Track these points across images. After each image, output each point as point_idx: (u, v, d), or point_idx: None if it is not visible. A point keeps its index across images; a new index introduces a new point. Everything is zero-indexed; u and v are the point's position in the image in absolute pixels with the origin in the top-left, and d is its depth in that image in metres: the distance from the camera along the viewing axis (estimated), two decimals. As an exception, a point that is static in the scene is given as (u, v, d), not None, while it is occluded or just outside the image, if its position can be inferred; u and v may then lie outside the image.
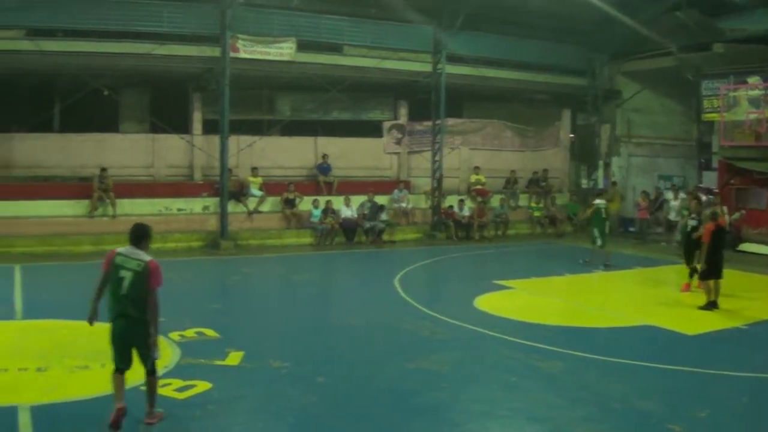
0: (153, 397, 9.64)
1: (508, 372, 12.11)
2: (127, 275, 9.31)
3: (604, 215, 24.45)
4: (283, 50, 28.16)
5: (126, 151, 29.51)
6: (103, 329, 13.15)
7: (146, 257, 9.46)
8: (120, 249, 9.59)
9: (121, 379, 9.45)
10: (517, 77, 33.04)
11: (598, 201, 25.15)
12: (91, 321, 9.71)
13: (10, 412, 9.71)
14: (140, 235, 9.68)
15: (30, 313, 16.02)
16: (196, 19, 27.19)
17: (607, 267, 23.99)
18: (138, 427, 9.48)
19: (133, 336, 9.39)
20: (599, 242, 24.36)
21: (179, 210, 28.16)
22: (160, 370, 10.41)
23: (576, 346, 13.72)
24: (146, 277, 9.30)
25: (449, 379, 11.73)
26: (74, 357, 12.36)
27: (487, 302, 17.89)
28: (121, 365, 9.49)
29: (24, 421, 9.51)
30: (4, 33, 25.40)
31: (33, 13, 25.27)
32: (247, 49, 27.67)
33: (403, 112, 34.39)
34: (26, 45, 25.41)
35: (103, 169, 27.14)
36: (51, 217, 25.99)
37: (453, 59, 31.26)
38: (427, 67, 31.34)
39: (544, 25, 32.30)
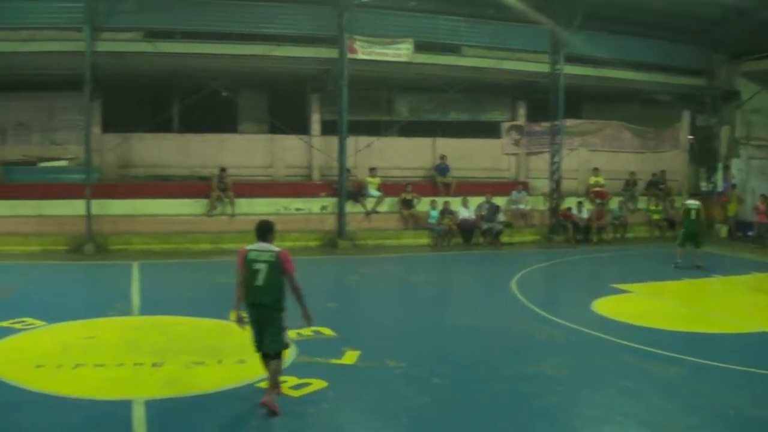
0: (275, 379, 10.19)
1: (624, 377, 11.85)
2: (262, 267, 10.04)
3: (693, 216, 23.80)
4: (401, 51, 28.14)
5: (245, 151, 29.95)
6: (219, 327, 13.31)
7: (276, 248, 10.24)
8: (249, 246, 10.28)
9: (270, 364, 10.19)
10: (635, 77, 32.25)
11: (689, 202, 24.56)
12: (241, 323, 10.28)
13: (125, 406, 9.86)
14: (266, 230, 10.45)
15: (147, 309, 16.29)
16: (313, 20, 27.36)
17: (699, 268, 23.34)
18: (260, 422, 9.58)
19: (265, 323, 10.12)
20: (692, 244, 23.78)
21: (297, 210, 28.38)
22: None
23: (693, 352, 13.36)
24: (280, 266, 10.07)
25: (565, 382, 11.54)
26: (190, 353, 12.52)
27: (604, 306, 17.57)
28: (259, 350, 10.25)
29: (138, 414, 9.63)
30: (123, 35, 25.99)
31: (151, 15, 25.79)
32: (365, 51, 27.73)
33: (522, 112, 34.11)
34: (145, 47, 25.97)
35: (223, 169, 27.55)
36: (170, 215, 26.54)
37: (571, 59, 30.81)
38: (546, 68, 30.96)
39: (662, 25, 31.60)
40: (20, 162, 28.84)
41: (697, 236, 23.74)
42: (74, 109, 27.97)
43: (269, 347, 10.17)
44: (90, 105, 25.86)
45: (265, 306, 10.09)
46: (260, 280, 10.03)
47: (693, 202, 24.31)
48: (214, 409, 9.90)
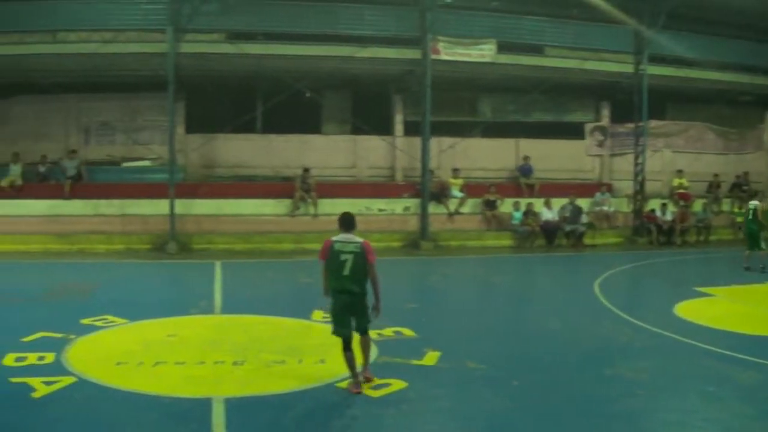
0: (367, 355, 10.96)
1: (706, 381, 11.52)
2: (348, 258, 10.57)
3: (751, 216, 23.20)
4: (484, 52, 27.93)
5: (328, 151, 30.06)
6: (300, 326, 13.25)
7: (359, 239, 10.77)
8: (334, 238, 10.81)
9: (352, 357, 10.67)
10: (720, 78, 31.67)
11: (751, 203, 23.97)
12: (326, 310, 11.17)
13: (205, 404, 9.83)
14: (351, 222, 10.95)
15: (229, 308, 16.30)
16: (396, 21, 27.31)
17: (763, 270, 22.69)
18: (339, 422, 9.51)
19: (354, 308, 10.66)
20: (761, 245, 23.22)
21: (380, 210, 28.34)
22: (356, 367, 10.74)
23: (778, 357, 13.00)
24: (364, 256, 10.59)
25: (646, 386, 11.24)
26: (271, 352, 12.44)
27: (687, 309, 17.15)
28: (349, 340, 10.65)
29: (218, 412, 9.58)
30: (206, 36, 26.20)
31: (234, 17, 26.01)
32: (448, 51, 27.59)
33: (605, 113, 33.73)
34: (228, 48, 26.14)
35: (306, 170, 27.64)
36: (252, 215, 26.74)
37: (655, 59, 30.34)
38: (629, 68, 30.51)
39: (747, 24, 30.96)
40: (104, 162, 29.35)
41: (756, 237, 23.19)
42: (158, 110, 28.39)
43: (361, 326, 10.78)
44: (174, 106, 26.15)
45: (353, 293, 10.61)
46: (347, 270, 10.56)
47: (753, 203, 23.77)
48: (293, 408, 9.82)
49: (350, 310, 10.69)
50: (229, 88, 29.56)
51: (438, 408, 10.12)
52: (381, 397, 10.27)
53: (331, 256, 10.67)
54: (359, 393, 10.36)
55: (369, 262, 10.65)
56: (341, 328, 10.65)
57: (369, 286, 10.72)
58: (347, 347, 10.60)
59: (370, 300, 10.59)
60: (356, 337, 10.76)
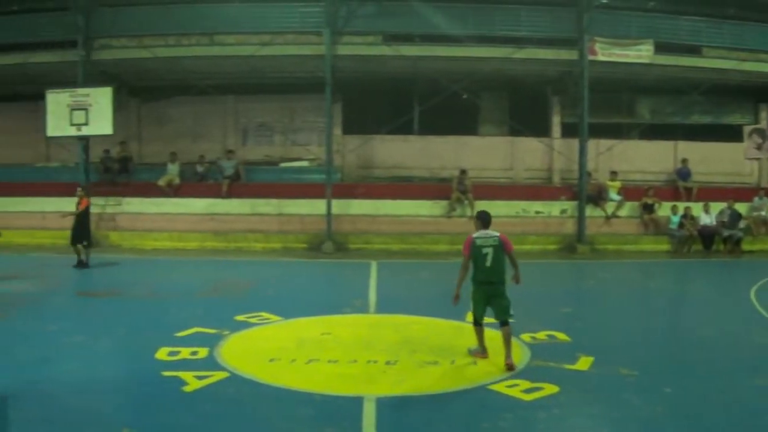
0: (509, 344, 11.52)
1: None
2: (489, 251, 11.65)
3: None
4: (641, 52, 27.23)
5: (485, 153, 29.85)
6: (453, 327, 13.08)
7: (496, 233, 11.85)
8: (475, 234, 11.83)
9: (482, 330, 11.94)
10: None
11: None
12: (455, 301, 11.83)
13: (357, 402, 9.75)
14: (488, 219, 12.04)
15: (383, 308, 16.28)
16: (553, 22, 26.96)
17: None
18: (490, 424, 9.25)
19: (494, 297, 11.73)
20: None
21: (537, 213, 27.98)
22: (509, 371, 11.00)
23: None
24: (503, 247, 11.75)
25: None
26: (424, 352, 12.31)
27: None
28: (482, 320, 11.88)
29: (369, 411, 9.50)
30: (362, 39, 26.26)
31: (390, 19, 26.04)
32: (605, 52, 27.04)
33: (765, 115, 32.40)
34: (384, 50, 26.15)
35: (463, 171, 27.49)
36: (409, 216, 26.71)
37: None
38: (788, 70, 29.27)
39: None
40: (262, 162, 29.82)
41: None
42: (315, 111, 28.74)
43: (504, 316, 11.68)
44: (331, 107, 26.31)
45: (493, 283, 11.70)
46: (489, 262, 11.66)
47: None
48: (444, 409, 9.68)
49: (490, 300, 11.76)
50: (386, 89, 29.62)
51: (589, 414, 9.83)
52: (532, 401, 10.02)
53: (474, 251, 11.70)
54: (478, 358, 11.78)
55: (508, 251, 11.84)
56: (478, 311, 11.83)
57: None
58: (478, 323, 11.87)
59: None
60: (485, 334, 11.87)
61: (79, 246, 21.73)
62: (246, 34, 26.18)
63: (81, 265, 21.67)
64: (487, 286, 11.74)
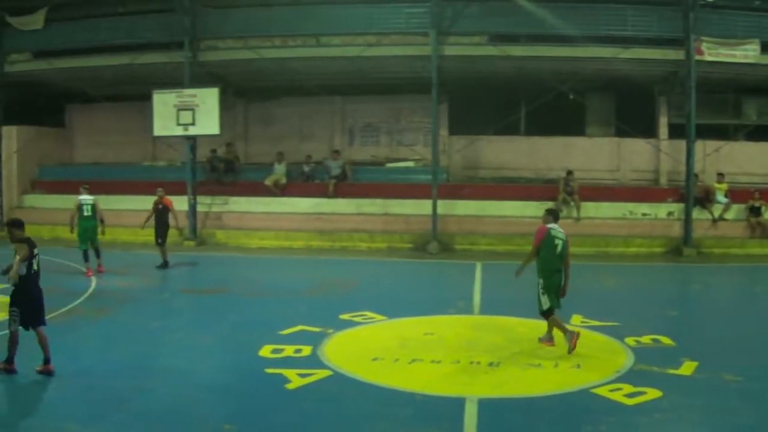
0: (563, 327, 12.75)
1: None
2: (560, 243, 12.88)
3: None
4: (748, 52, 26.58)
5: (591, 154, 29.51)
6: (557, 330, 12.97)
7: (562, 230, 13.16)
8: (549, 225, 13.07)
9: (556, 319, 12.89)
10: None
11: None
12: (517, 274, 13.24)
13: (458, 403, 9.79)
14: (558, 215, 13.78)
15: (487, 309, 16.26)
16: (659, 22, 26.42)
17: None
18: (592, 428, 9.19)
19: (559, 284, 12.90)
20: None
21: (643, 215, 27.53)
22: (612, 374, 11.08)
23: None
24: (567, 243, 13.02)
25: None
26: (527, 354, 12.34)
27: None
28: (557, 307, 12.88)
29: (470, 412, 9.53)
30: (468, 39, 26.16)
31: (495, 19, 25.84)
32: (712, 52, 26.43)
33: None
34: (490, 50, 26.00)
35: (569, 172, 27.25)
36: (515, 217, 26.48)
37: None
38: None
39: None
40: (368, 162, 29.96)
41: None
42: (421, 112, 28.81)
43: (559, 303, 12.91)
44: (437, 108, 26.28)
45: (560, 271, 12.92)
46: (559, 251, 12.85)
47: None
48: (545, 412, 9.67)
49: (559, 287, 12.88)
50: (492, 89, 29.44)
51: (691, 419, 9.72)
52: (635, 406, 9.93)
53: (548, 240, 12.87)
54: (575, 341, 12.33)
55: (569, 249, 13.03)
56: (554, 300, 12.79)
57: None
58: (551, 312, 12.78)
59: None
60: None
61: (163, 246, 22.02)
62: (352, 35, 26.32)
63: (165, 266, 21.96)
64: (557, 274, 12.85)
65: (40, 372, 11.10)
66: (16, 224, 11.76)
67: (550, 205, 25.97)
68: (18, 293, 11.23)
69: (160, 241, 22.00)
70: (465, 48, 26.30)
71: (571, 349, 12.18)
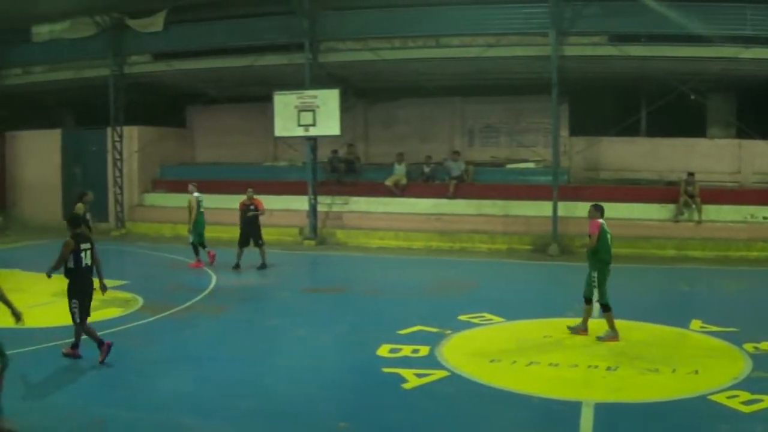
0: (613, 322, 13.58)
1: None
2: (610, 237, 13.94)
3: None
4: None
5: (712, 156, 28.86)
6: (676, 335, 12.86)
7: None
8: (600, 220, 13.96)
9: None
10: None
11: None
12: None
13: (575, 407, 9.76)
14: (603, 211, 14.47)
15: (607, 313, 15.94)
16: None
17: None
18: None
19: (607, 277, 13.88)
20: None
21: (765, 218, 26.79)
22: (730, 381, 10.80)
23: None
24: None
25: None
26: (645, 359, 12.15)
27: None
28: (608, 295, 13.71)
29: (586, 417, 9.50)
30: (587, 39, 25.81)
31: (615, 19, 25.39)
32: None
33: None
34: (610, 50, 25.62)
35: (690, 174, 26.72)
36: (635, 219, 25.98)
37: None
38: None
39: None
40: (488, 163, 29.87)
41: None
42: (541, 112, 28.57)
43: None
44: (557, 108, 26.06)
45: (610, 263, 13.85)
46: (610, 245, 13.88)
47: None
48: (662, 418, 9.58)
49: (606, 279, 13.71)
50: (612, 90, 29.12)
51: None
52: (752, 413, 9.76)
53: (603, 234, 13.80)
54: (612, 341, 13.14)
55: None
56: (607, 293, 13.62)
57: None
58: (609, 306, 13.51)
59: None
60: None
61: (254, 247, 22.12)
62: (471, 36, 26.24)
63: (263, 266, 22.12)
64: (608, 267, 13.82)
65: (66, 354, 12.12)
66: (70, 221, 12.69)
67: (670, 208, 25.74)
68: (70, 286, 11.98)
69: (261, 241, 22.12)
70: (584, 48, 25.96)
71: (603, 340, 13.27)
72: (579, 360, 12.04)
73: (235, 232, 22.80)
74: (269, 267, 21.87)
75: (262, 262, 21.90)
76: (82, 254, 11.90)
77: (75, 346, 12.05)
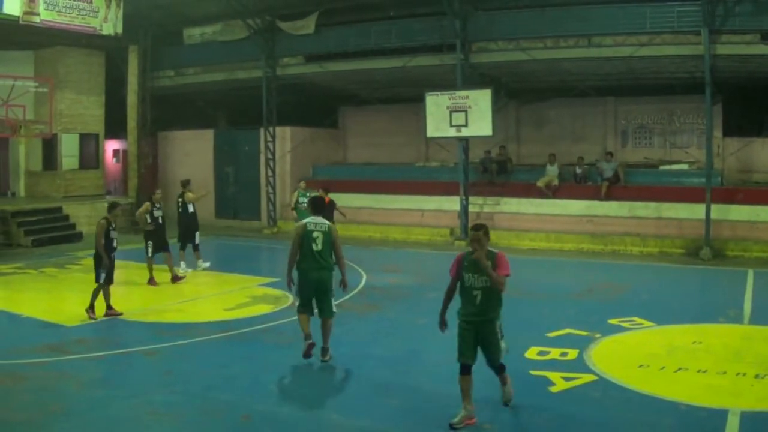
0: None
1: None
2: None
3: None
4: None
5: None
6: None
7: None
8: None
9: None
10: None
11: None
12: None
13: (721, 415, 9.72)
14: None
15: (757, 318, 15.70)
16: None
17: None
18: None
19: None
20: None
21: None
22: None
23: None
24: None
25: None
26: (795, 367, 11.94)
27: None
28: None
29: (732, 424, 9.45)
30: (740, 38, 25.03)
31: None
32: None
33: None
34: (762, 49, 24.74)
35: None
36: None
37: None
38: None
39: None
40: (641, 164, 29.58)
41: None
42: (695, 113, 28.32)
43: None
44: (711, 108, 25.60)
45: None
46: None
47: None
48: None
49: None
50: (766, 90, 28.43)
51: None
52: None
53: None
54: None
55: None
56: None
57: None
58: None
59: None
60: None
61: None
62: (623, 35, 25.98)
63: None
64: None
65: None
66: (108, 207, 15.90)
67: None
68: (95, 258, 15.34)
69: None
70: (737, 47, 25.42)
71: None
72: (728, 367, 11.90)
73: (386, 232, 23.13)
74: (424, 265, 22.29)
75: None
76: (112, 232, 15.45)
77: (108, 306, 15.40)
